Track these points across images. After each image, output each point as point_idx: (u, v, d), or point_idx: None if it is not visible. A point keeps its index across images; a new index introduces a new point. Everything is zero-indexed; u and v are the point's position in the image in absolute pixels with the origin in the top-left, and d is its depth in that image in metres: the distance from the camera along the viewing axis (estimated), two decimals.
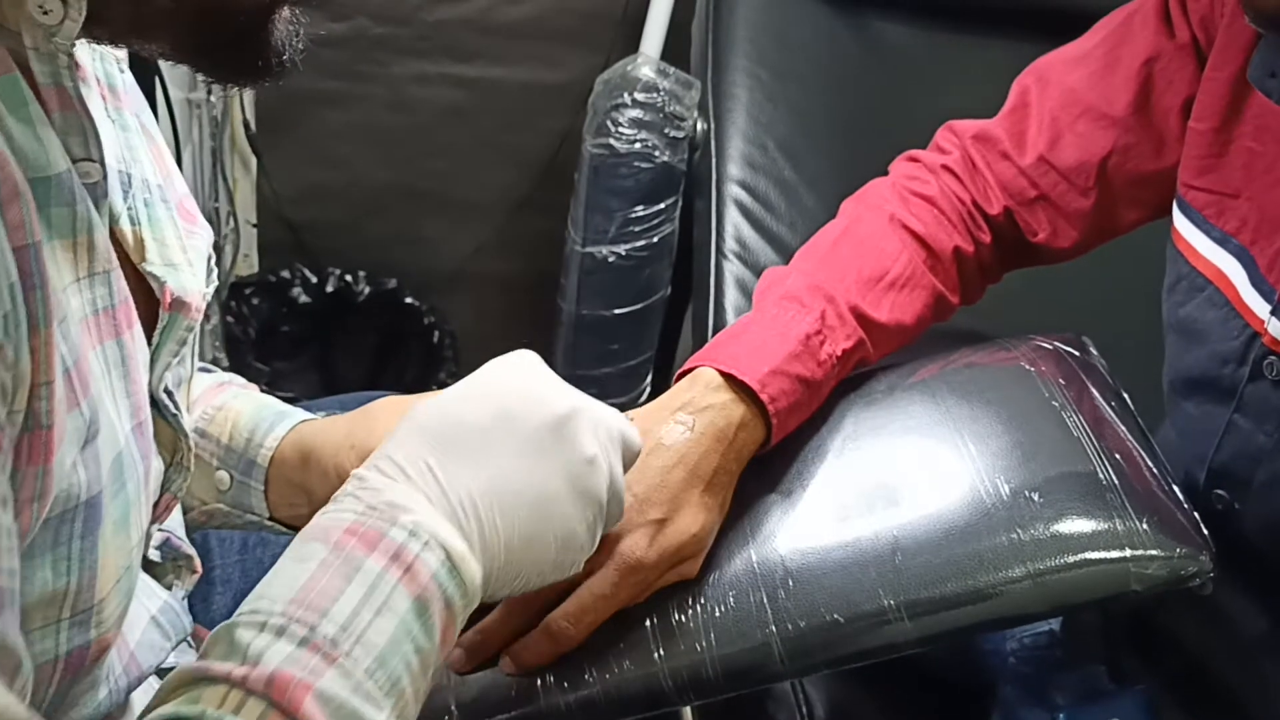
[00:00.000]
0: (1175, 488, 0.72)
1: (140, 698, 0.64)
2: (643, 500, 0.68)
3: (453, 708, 0.68)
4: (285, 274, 1.94)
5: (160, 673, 0.68)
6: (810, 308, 0.79)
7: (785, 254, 1.32)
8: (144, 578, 0.66)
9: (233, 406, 0.77)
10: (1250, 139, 0.79)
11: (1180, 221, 0.85)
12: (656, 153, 1.58)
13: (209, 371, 0.82)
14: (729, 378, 0.74)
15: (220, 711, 0.47)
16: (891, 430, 0.77)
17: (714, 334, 0.81)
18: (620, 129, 1.59)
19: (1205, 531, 0.69)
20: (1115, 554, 0.66)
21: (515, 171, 1.96)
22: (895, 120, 1.33)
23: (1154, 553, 0.66)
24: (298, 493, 0.74)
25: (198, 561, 0.73)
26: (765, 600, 0.68)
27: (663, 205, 1.62)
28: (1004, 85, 0.95)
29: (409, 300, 1.96)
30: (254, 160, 1.91)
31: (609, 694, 0.67)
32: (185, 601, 0.74)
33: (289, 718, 0.47)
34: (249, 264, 2.00)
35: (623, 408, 0.77)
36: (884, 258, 0.84)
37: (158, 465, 0.63)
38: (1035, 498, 0.69)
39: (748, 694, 0.72)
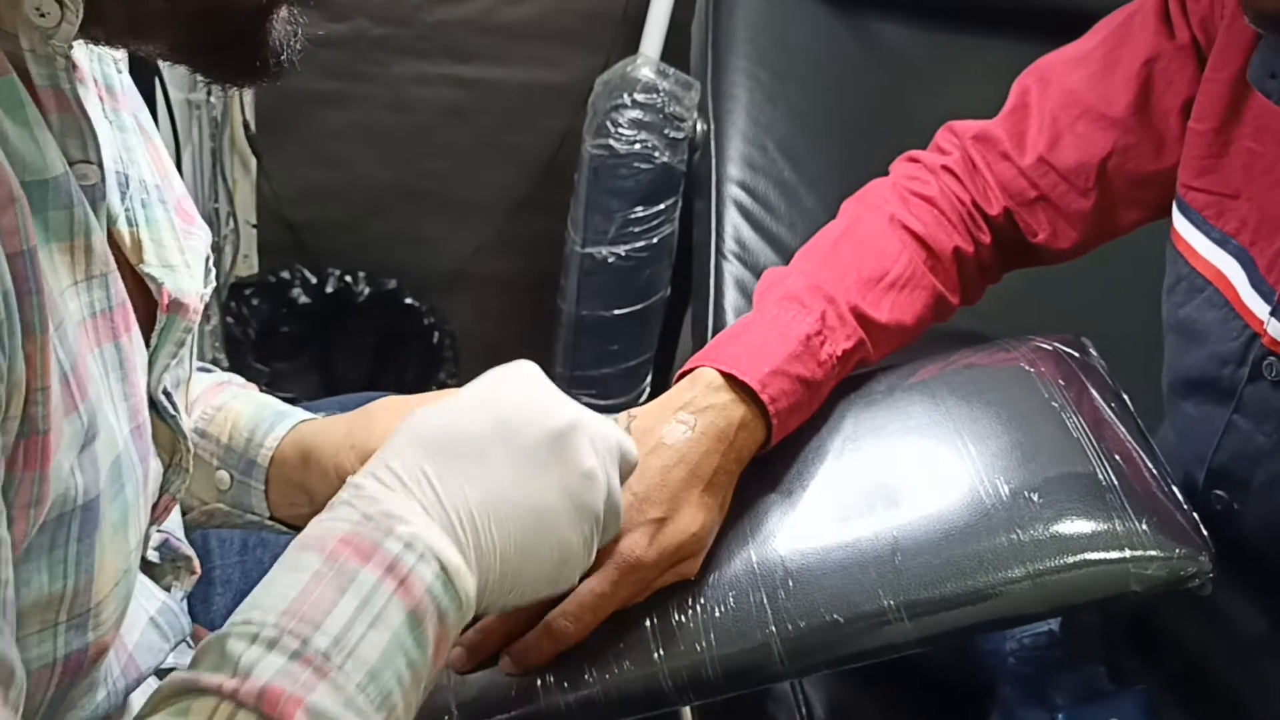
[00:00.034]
0: (1175, 488, 0.72)
1: (139, 698, 0.63)
2: (643, 499, 0.68)
3: (453, 707, 0.68)
4: (285, 274, 1.94)
5: (159, 673, 0.67)
6: (810, 308, 0.79)
7: (785, 255, 1.32)
8: (142, 579, 0.66)
9: (232, 406, 0.77)
10: (1250, 140, 0.79)
11: (1180, 222, 0.85)
12: (656, 153, 1.58)
13: (208, 371, 0.82)
14: (729, 378, 0.74)
15: None
16: (891, 431, 0.77)
17: (714, 335, 0.81)
18: (620, 130, 1.59)
19: (1204, 532, 0.69)
20: (1115, 554, 0.67)
21: (515, 172, 1.96)
22: (895, 121, 1.33)
23: (1153, 553, 0.67)
24: (298, 492, 0.74)
25: (196, 562, 0.73)
26: (765, 600, 0.68)
27: (662, 206, 1.62)
28: (1003, 86, 0.96)
29: (409, 301, 1.96)
30: (254, 161, 1.91)
31: (609, 694, 0.67)
32: (184, 602, 0.73)
33: None
34: (249, 264, 2.00)
35: (622, 408, 0.77)
36: (884, 258, 0.84)
37: (156, 467, 0.63)
38: (1035, 498, 0.69)
39: (747, 694, 0.72)
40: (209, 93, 1.75)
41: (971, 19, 1.57)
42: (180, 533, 0.74)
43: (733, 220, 1.37)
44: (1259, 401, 0.79)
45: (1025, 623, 0.72)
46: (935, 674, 0.89)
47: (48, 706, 0.53)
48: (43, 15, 0.48)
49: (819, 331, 0.77)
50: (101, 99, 0.62)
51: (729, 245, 1.35)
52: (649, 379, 1.75)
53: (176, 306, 0.61)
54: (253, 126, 1.88)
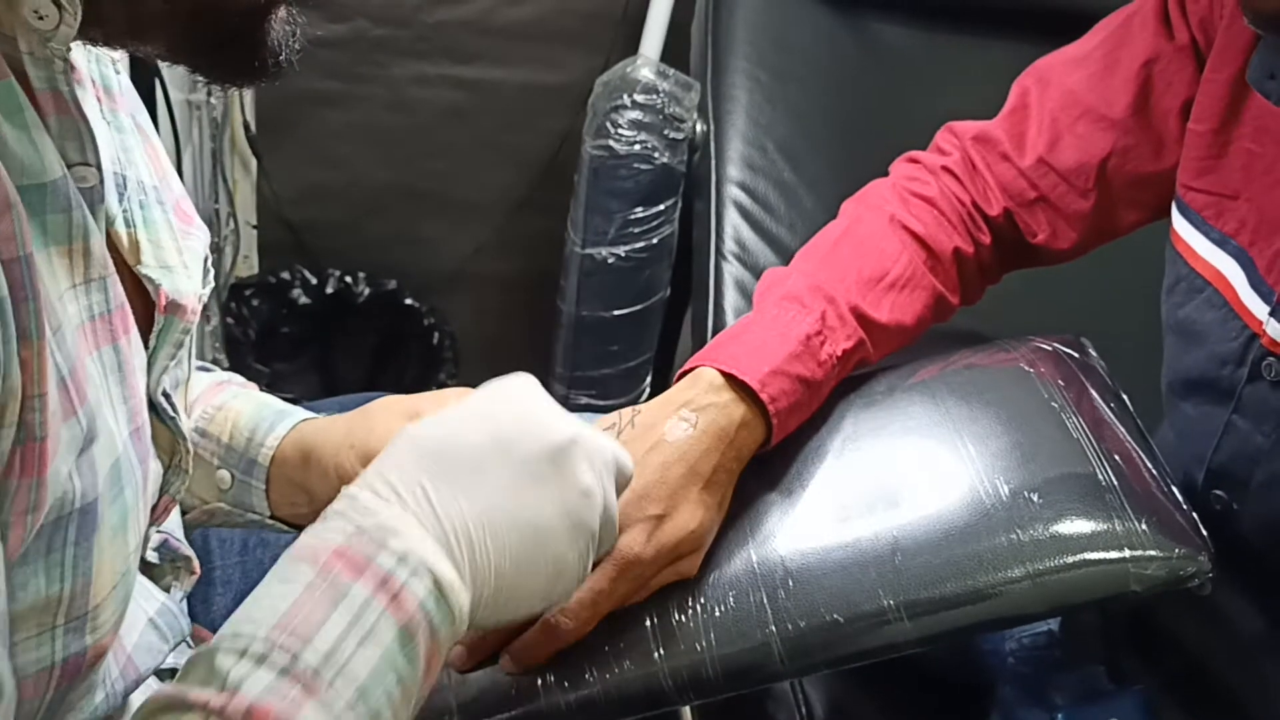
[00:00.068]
0: (1174, 488, 0.73)
1: (139, 699, 0.63)
2: (642, 495, 0.69)
3: (453, 707, 0.68)
4: (285, 275, 1.94)
5: (159, 674, 0.67)
6: (811, 308, 0.79)
7: (785, 255, 1.32)
8: (141, 580, 0.66)
9: (233, 406, 0.77)
10: (1249, 140, 0.80)
11: (1179, 223, 0.85)
12: (656, 154, 1.59)
13: (208, 370, 0.82)
14: (729, 378, 0.74)
15: None
16: (891, 431, 0.77)
17: (713, 335, 0.81)
18: (620, 130, 1.59)
19: (1204, 532, 0.70)
20: (1114, 554, 0.67)
21: (515, 173, 1.97)
22: (894, 121, 1.33)
23: (1153, 553, 0.67)
24: (298, 492, 0.74)
25: (196, 563, 0.73)
26: (765, 600, 0.68)
27: (662, 207, 1.62)
28: (1003, 86, 0.96)
29: (409, 301, 1.96)
30: (254, 161, 1.91)
31: (609, 693, 0.67)
32: (184, 603, 0.73)
33: None
34: (249, 265, 2.00)
35: (622, 409, 0.77)
36: (884, 258, 0.85)
37: (156, 468, 0.63)
38: (1034, 498, 0.69)
39: (747, 694, 0.72)
40: (209, 93, 1.75)
41: (971, 19, 1.57)
42: (180, 533, 0.73)
43: (732, 221, 1.37)
44: (1258, 402, 0.79)
45: (1025, 623, 0.72)
46: (935, 674, 0.89)
47: (46, 709, 0.53)
48: (41, 18, 0.48)
49: (819, 331, 0.78)
50: (99, 100, 0.62)
51: (729, 246, 1.35)
52: (649, 379, 1.75)
53: (174, 308, 0.61)
54: (253, 127, 1.88)
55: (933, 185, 0.91)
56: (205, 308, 0.65)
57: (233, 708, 0.47)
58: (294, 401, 0.80)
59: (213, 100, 1.77)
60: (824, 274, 0.82)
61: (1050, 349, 0.82)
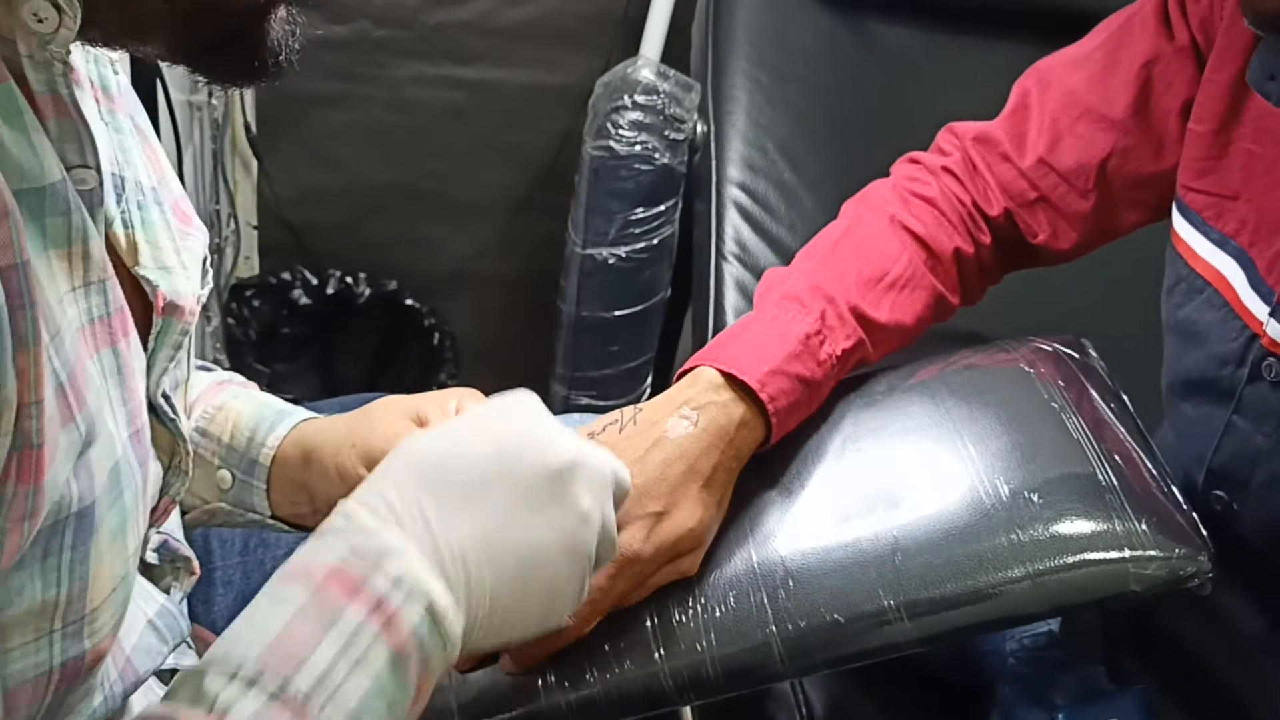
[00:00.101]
0: (1174, 489, 0.73)
1: (139, 700, 0.63)
2: (642, 492, 0.69)
3: (454, 707, 0.68)
4: (286, 276, 1.94)
5: (159, 674, 0.67)
6: (810, 308, 0.79)
7: (785, 256, 1.32)
8: (141, 581, 0.65)
9: (233, 406, 0.77)
10: (1249, 141, 0.80)
11: (1179, 223, 0.85)
12: (656, 155, 1.59)
13: (208, 370, 0.82)
14: (729, 377, 0.74)
15: None
16: (891, 431, 0.77)
17: (714, 336, 0.81)
18: (620, 131, 1.59)
19: (1204, 532, 0.70)
20: (1114, 554, 0.67)
21: (515, 173, 1.97)
22: (894, 122, 1.33)
23: (1153, 553, 0.67)
24: (299, 491, 0.74)
25: (196, 563, 0.73)
26: (765, 600, 0.68)
27: (663, 207, 1.62)
28: (1003, 87, 0.96)
29: (409, 302, 1.97)
30: (255, 162, 1.91)
31: (609, 694, 0.67)
32: (184, 604, 0.73)
33: None
34: (249, 266, 2.00)
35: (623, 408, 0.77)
36: (884, 258, 0.85)
37: (156, 470, 0.62)
38: (1035, 499, 0.69)
39: (748, 694, 0.72)
40: (210, 94, 1.75)
41: (971, 20, 1.58)
42: (179, 533, 0.73)
43: (733, 221, 1.37)
44: (1258, 402, 0.79)
45: (1025, 623, 0.72)
46: (935, 674, 0.89)
47: (44, 713, 0.53)
48: (40, 21, 0.48)
49: (819, 331, 0.78)
50: (98, 101, 0.61)
51: (729, 246, 1.35)
52: (649, 380, 1.75)
53: (172, 309, 0.60)
54: (254, 128, 1.88)
55: (933, 185, 0.91)
56: (206, 308, 0.65)
57: None
58: (295, 402, 0.80)
59: (214, 101, 1.77)
60: (824, 274, 0.82)
61: (1050, 349, 0.82)
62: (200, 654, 0.75)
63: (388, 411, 0.72)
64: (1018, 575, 0.67)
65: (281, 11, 0.54)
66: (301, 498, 0.74)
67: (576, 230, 1.67)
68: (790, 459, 0.77)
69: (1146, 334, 0.92)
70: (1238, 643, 0.84)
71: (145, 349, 0.59)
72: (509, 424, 0.60)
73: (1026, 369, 0.80)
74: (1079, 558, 0.67)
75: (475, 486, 0.56)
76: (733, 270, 1.33)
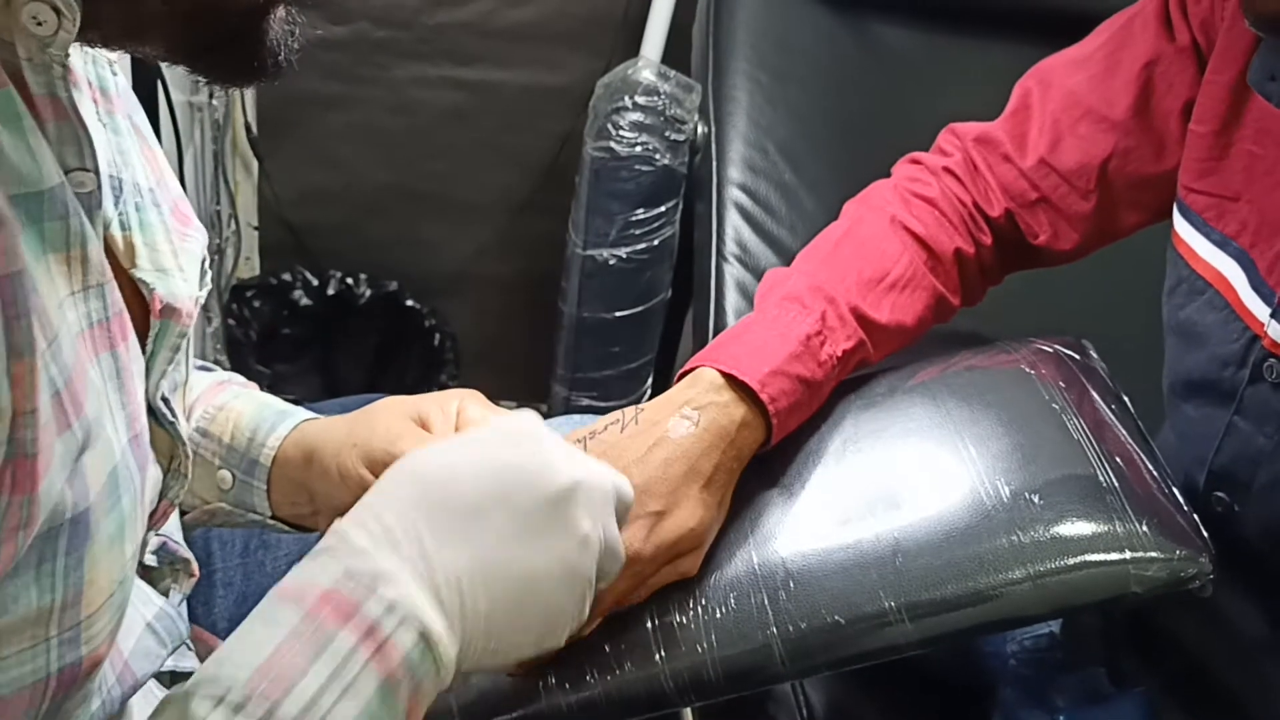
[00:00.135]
0: (1175, 490, 0.73)
1: (139, 702, 0.63)
2: (643, 492, 0.69)
3: (454, 708, 0.68)
4: (286, 276, 1.94)
5: (158, 677, 0.67)
6: (811, 308, 0.79)
7: (785, 257, 1.32)
8: (139, 584, 0.65)
9: (234, 406, 0.77)
10: (1250, 142, 0.80)
11: (1180, 224, 0.85)
12: (657, 156, 1.59)
13: (208, 370, 0.82)
14: (730, 378, 0.74)
15: None
16: (892, 432, 0.77)
17: (714, 337, 0.81)
18: (621, 132, 1.59)
19: (1205, 534, 0.70)
20: (1115, 556, 0.67)
21: (516, 174, 1.97)
22: (895, 123, 1.33)
23: (1154, 555, 0.67)
24: (300, 491, 0.74)
25: (195, 565, 0.72)
26: (766, 602, 0.68)
27: (663, 208, 1.62)
28: (1004, 88, 0.96)
29: (410, 303, 1.97)
30: (255, 163, 1.92)
31: (610, 695, 0.67)
32: (183, 605, 0.73)
33: None
34: (250, 266, 2.00)
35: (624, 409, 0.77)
36: (885, 259, 0.85)
37: (155, 473, 0.62)
38: (1035, 500, 0.69)
39: (749, 695, 0.72)
40: (211, 95, 1.75)
41: (972, 21, 1.58)
42: (178, 535, 0.73)
43: (733, 222, 1.37)
44: (1259, 403, 0.79)
45: (1026, 624, 0.72)
46: (936, 675, 0.89)
47: (42, 719, 0.52)
48: (39, 24, 0.47)
49: (819, 332, 0.78)
50: (96, 102, 0.61)
51: (730, 247, 1.35)
52: (650, 381, 1.75)
53: (169, 311, 0.60)
54: (254, 129, 1.88)
55: (934, 186, 0.91)
56: (207, 309, 0.65)
57: None
58: (295, 403, 0.80)
59: (214, 102, 1.77)
60: (825, 274, 0.82)
61: (1051, 350, 0.82)
62: (200, 656, 0.75)
63: (389, 412, 0.72)
64: (1018, 577, 0.67)
65: (280, 11, 0.53)
66: (302, 498, 0.74)
67: (577, 231, 1.67)
68: (791, 460, 0.77)
69: (1147, 335, 0.92)
70: (1238, 644, 0.84)
71: (144, 352, 0.59)
72: (508, 447, 0.60)
73: (1027, 370, 0.80)
74: (1080, 559, 0.67)
75: (472, 511, 0.56)
76: (733, 271, 1.33)
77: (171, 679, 0.70)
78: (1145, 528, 0.67)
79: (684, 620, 0.69)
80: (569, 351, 1.72)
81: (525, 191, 1.97)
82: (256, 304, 1.93)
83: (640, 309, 1.67)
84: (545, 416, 0.68)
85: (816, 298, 0.80)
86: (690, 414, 0.72)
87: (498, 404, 0.74)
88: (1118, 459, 0.72)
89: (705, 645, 0.67)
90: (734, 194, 1.39)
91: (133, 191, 0.61)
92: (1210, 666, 0.86)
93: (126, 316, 0.55)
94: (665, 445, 0.71)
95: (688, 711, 0.86)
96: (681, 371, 0.77)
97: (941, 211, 0.90)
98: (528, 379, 1.95)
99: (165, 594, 0.70)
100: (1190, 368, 0.85)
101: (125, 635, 0.61)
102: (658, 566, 0.69)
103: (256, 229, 1.98)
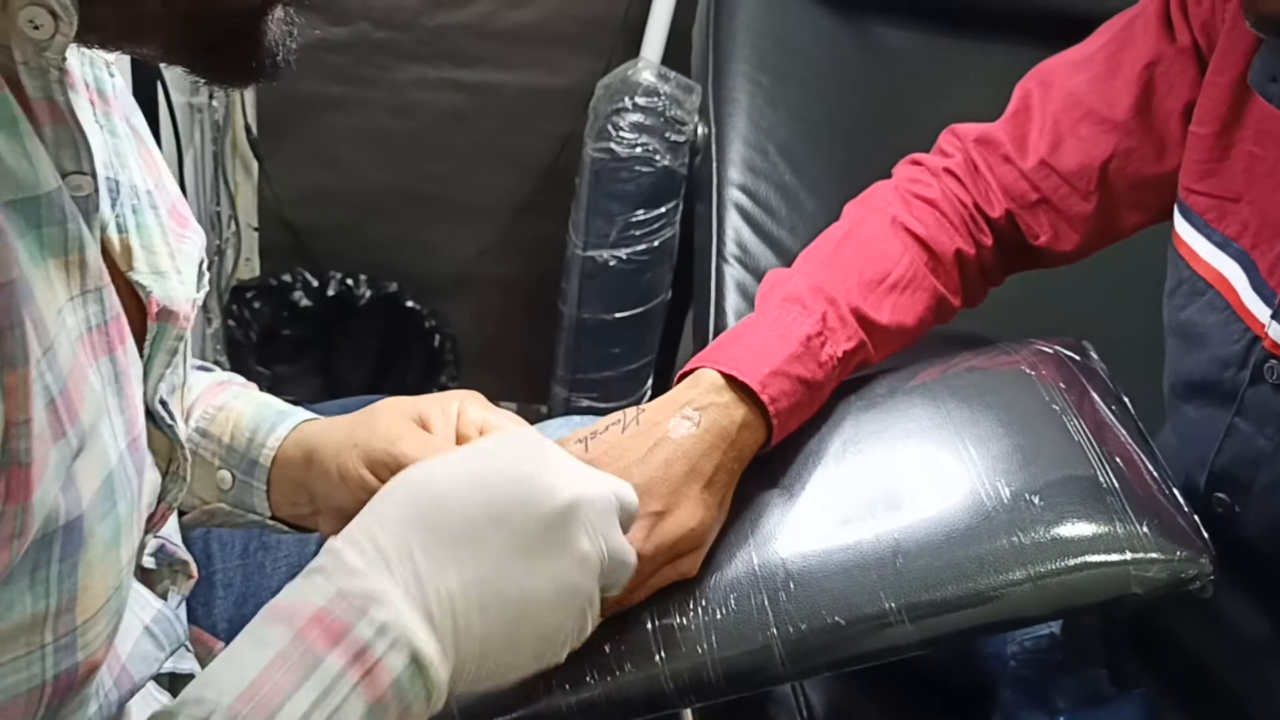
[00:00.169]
0: (1175, 491, 0.72)
1: (137, 705, 0.63)
2: (644, 492, 0.68)
3: (454, 708, 0.68)
4: (286, 277, 1.94)
5: (157, 678, 0.67)
6: (811, 309, 0.79)
7: (786, 258, 1.32)
8: (137, 587, 0.65)
9: (234, 406, 0.77)
10: (1251, 143, 0.80)
11: (1181, 225, 0.85)
12: (657, 157, 1.59)
13: (208, 370, 0.82)
14: (730, 379, 0.74)
15: None
16: (892, 433, 0.77)
17: (714, 338, 0.81)
18: (621, 133, 1.60)
19: (1205, 534, 0.69)
20: (1115, 557, 0.66)
21: (516, 175, 1.97)
22: (896, 124, 1.33)
23: (1154, 556, 0.67)
24: (300, 492, 0.73)
25: (194, 566, 0.72)
26: (766, 603, 0.68)
27: (663, 209, 1.62)
28: (1004, 89, 0.96)
29: (410, 304, 1.97)
30: (255, 164, 1.92)
31: (610, 696, 0.67)
32: (182, 607, 0.73)
33: None
34: (250, 267, 2.00)
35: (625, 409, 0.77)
36: (885, 260, 0.85)
37: (154, 477, 0.62)
38: (1036, 501, 0.69)
39: (749, 696, 0.72)
40: (211, 96, 1.75)
41: (972, 23, 1.58)
42: (177, 537, 0.73)
43: (733, 223, 1.37)
44: (1260, 404, 0.79)
45: (1026, 625, 0.72)
46: (936, 676, 0.89)
47: None
48: (36, 28, 0.47)
49: (820, 333, 0.78)
50: (93, 103, 0.61)
51: (730, 248, 1.35)
52: (650, 382, 1.75)
53: (166, 315, 0.60)
54: (254, 130, 1.88)
55: (935, 187, 0.91)
56: (206, 310, 0.65)
57: None
58: (295, 404, 0.80)
59: (214, 103, 1.78)
60: (825, 275, 0.82)
61: (1051, 351, 0.82)
62: (199, 657, 0.75)
63: (389, 413, 0.72)
64: (1019, 578, 0.67)
65: (279, 12, 0.53)
66: (302, 498, 0.74)
67: (577, 232, 1.67)
68: (791, 461, 0.77)
69: (1148, 336, 0.92)
70: (1239, 645, 0.84)
71: (141, 355, 0.58)
72: (507, 464, 0.59)
73: (1028, 371, 0.80)
74: (1080, 560, 0.67)
75: (468, 531, 0.56)
76: (733, 272, 1.33)
77: (170, 681, 0.70)
78: (1146, 529, 0.67)
79: (684, 621, 0.69)
80: (569, 352, 1.72)
81: (525, 192, 1.97)
82: (256, 305, 1.92)
83: (640, 310, 1.67)
84: (545, 417, 0.68)
85: (817, 298, 0.80)
86: (691, 414, 0.72)
87: (498, 405, 0.73)
88: (1118, 460, 0.72)
89: (705, 646, 0.67)
90: (734, 195, 1.39)
91: (130, 193, 0.61)
92: (1211, 667, 0.86)
93: (124, 320, 0.55)
94: (666, 445, 0.71)
95: (688, 712, 0.86)
96: (682, 372, 0.77)
97: (942, 212, 0.90)
98: (528, 380, 1.95)
99: (164, 596, 0.70)
100: (1191, 369, 0.85)
101: (123, 639, 0.61)
102: (658, 567, 0.69)
103: (256, 230, 1.98)
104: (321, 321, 1.97)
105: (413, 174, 1.96)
